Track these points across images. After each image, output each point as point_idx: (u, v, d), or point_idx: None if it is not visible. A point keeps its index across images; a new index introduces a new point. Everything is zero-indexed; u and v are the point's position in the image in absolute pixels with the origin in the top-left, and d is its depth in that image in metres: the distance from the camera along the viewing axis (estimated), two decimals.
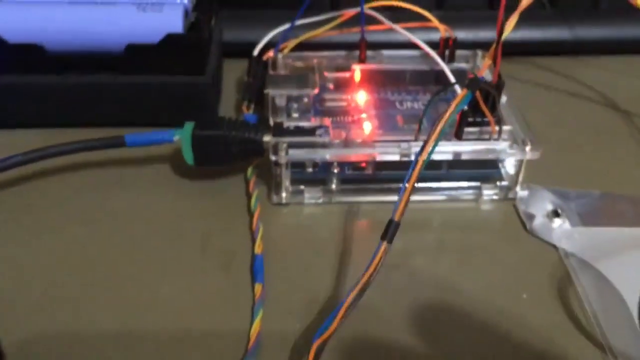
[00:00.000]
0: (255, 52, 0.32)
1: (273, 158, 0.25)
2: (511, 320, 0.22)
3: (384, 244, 0.20)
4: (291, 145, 0.25)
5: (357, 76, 0.31)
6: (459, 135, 0.26)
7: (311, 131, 0.26)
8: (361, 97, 0.30)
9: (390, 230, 0.20)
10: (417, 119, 0.27)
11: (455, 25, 0.36)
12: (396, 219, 0.20)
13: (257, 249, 0.24)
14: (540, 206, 0.26)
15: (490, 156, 0.26)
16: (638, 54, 0.37)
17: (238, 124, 0.26)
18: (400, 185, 0.27)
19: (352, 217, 0.26)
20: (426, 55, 0.31)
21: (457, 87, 0.29)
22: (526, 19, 0.38)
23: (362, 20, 0.30)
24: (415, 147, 0.25)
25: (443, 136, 0.21)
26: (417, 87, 0.31)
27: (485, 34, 0.36)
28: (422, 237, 0.25)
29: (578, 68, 0.36)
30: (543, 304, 0.23)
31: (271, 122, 0.27)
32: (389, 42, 0.33)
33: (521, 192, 0.27)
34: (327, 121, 0.27)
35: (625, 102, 0.33)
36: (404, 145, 0.25)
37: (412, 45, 0.31)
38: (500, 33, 0.25)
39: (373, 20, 0.31)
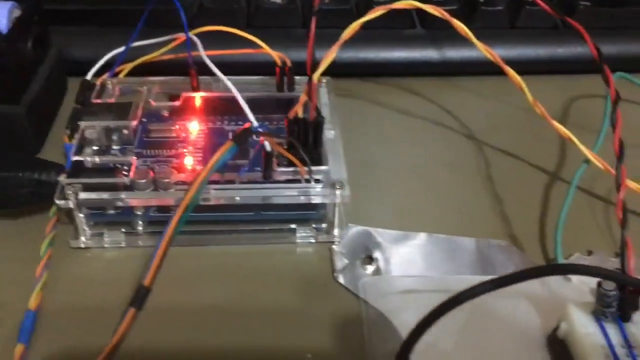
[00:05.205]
0: (89, 75, 0.30)
1: (58, 202, 0.23)
2: None
3: (132, 311, 0.19)
4: (88, 188, 0.24)
5: (187, 105, 0.29)
6: (267, 177, 0.24)
7: (112, 171, 0.24)
8: (193, 127, 0.29)
9: (139, 296, 0.19)
10: (245, 152, 0.26)
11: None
12: (146, 284, 0.19)
13: (32, 304, 0.22)
14: (356, 250, 0.25)
15: (302, 200, 0.24)
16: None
17: (32, 162, 0.24)
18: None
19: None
20: (267, 81, 0.30)
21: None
22: (394, 38, 0.37)
23: (188, 47, 0.28)
24: (216, 192, 0.24)
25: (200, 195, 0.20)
26: (256, 115, 0.29)
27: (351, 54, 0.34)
28: (224, 285, 0.24)
29: (443, 90, 0.35)
30: None
31: (72, 159, 0.25)
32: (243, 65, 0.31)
33: (337, 236, 0.25)
34: (133, 159, 0.25)
35: (482, 130, 0.32)
36: (209, 189, 0.24)
37: (259, 70, 0.30)
38: (312, 70, 0.24)
39: (217, 44, 0.30)
